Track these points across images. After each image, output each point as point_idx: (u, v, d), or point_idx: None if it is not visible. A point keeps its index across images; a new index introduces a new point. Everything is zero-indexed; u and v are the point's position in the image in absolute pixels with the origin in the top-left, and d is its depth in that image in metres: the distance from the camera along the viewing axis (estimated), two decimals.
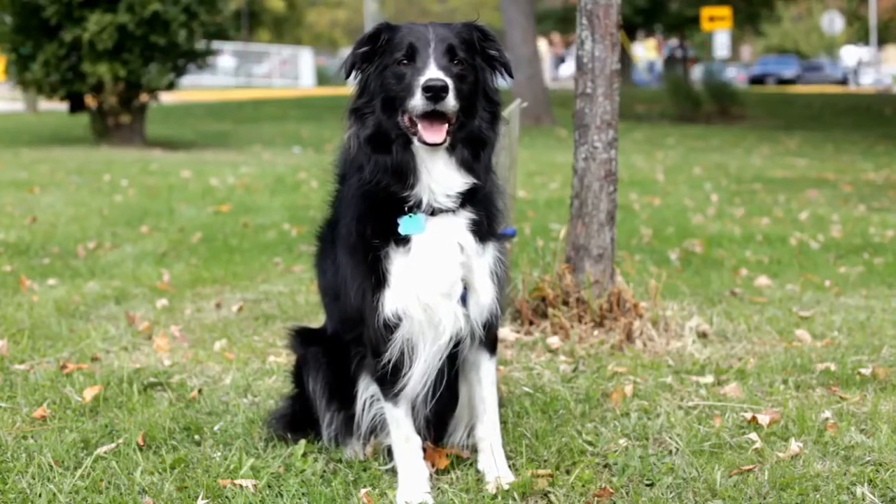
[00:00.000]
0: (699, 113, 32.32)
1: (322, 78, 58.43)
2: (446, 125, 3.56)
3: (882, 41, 68.50)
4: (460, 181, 3.69)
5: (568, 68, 66.80)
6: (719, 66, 37.50)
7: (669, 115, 32.94)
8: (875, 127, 29.38)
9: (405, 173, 3.65)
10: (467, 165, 3.69)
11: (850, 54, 66.07)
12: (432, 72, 3.51)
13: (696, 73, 43.16)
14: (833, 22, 62.70)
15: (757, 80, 63.32)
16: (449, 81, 3.50)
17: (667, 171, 16.88)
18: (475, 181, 3.71)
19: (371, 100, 3.66)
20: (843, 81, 63.22)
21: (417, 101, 3.51)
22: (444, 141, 3.56)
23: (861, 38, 65.72)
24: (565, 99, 19.15)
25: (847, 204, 13.19)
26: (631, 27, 48.45)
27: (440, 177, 3.67)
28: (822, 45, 79.09)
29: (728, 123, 31.02)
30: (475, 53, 3.73)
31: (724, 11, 39.37)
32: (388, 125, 3.63)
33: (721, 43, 40.29)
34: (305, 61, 59.94)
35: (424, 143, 3.55)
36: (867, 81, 61.75)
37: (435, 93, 3.47)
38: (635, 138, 23.75)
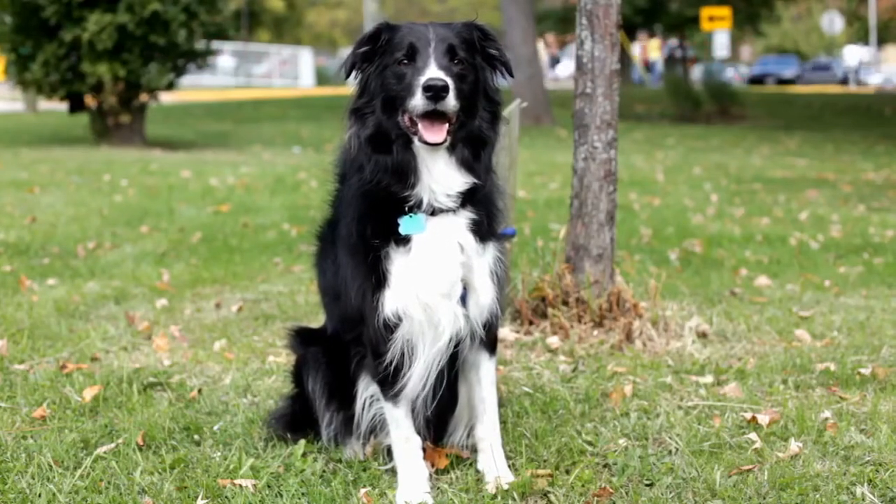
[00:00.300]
0: (699, 113, 32.31)
1: (322, 78, 58.43)
2: (447, 125, 3.56)
3: (882, 41, 68.48)
4: (461, 181, 3.69)
5: (564, 69, 66.56)
6: (719, 67, 37.48)
7: (669, 115, 32.94)
8: (875, 127, 29.39)
9: (406, 173, 3.64)
10: (468, 165, 3.69)
11: (853, 54, 65.99)
12: (432, 71, 3.51)
13: (696, 73, 43.14)
14: (833, 22, 62.66)
15: (756, 81, 63.25)
16: (449, 81, 3.50)
17: (667, 171, 16.89)
18: (475, 181, 3.70)
19: (371, 100, 3.66)
20: (844, 81, 63.17)
21: (418, 101, 3.50)
22: (445, 141, 3.56)
23: (861, 38, 65.70)
24: (565, 99, 19.12)
25: (847, 204, 13.19)
26: (631, 27, 48.43)
27: (440, 177, 3.67)
28: (821, 45, 79.04)
29: (728, 123, 31.02)
30: (475, 53, 3.73)
31: (724, 11, 39.37)
32: (389, 125, 3.63)
33: (721, 43, 40.29)
34: (305, 61, 59.93)
35: (425, 142, 3.55)
36: (876, 81, 61.52)
37: (435, 92, 3.47)
38: (635, 138, 23.76)
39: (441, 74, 3.50)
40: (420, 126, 3.55)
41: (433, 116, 3.53)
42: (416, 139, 3.58)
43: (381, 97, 3.63)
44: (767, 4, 49.04)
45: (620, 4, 5.92)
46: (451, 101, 3.51)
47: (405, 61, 3.60)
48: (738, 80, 58.73)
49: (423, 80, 3.49)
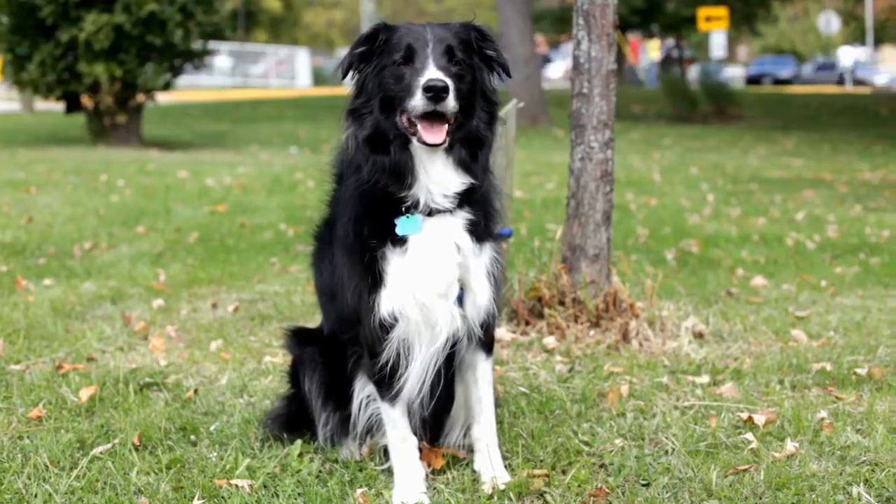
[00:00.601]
0: (696, 113, 32.32)
1: (318, 78, 58.37)
2: (446, 126, 3.55)
3: (878, 41, 68.45)
4: (458, 181, 3.69)
5: (555, 69, 66.22)
6: (716, 67, 37.49)
7: (666, 115, 32.95)
8: (871, 127, 29.41)
9: (403, 173, 3.64)
10: (465, 166, 3.69)
11: (847, 55, 65.99)
12: (432, 72, 3.50)
13: (693, 73, 43.10)
14: (829, 22, 62.72)
15: (753, 81, 63.23)
16: (449, 82, 3.49)
17: (663, 171, 16.89)
18: (473, 181, 3.70)
19: (369, 100, 3.65)
20: (840, 81, 63.15)
21: (418, 102, 3.50)
22: (445, 141, 3.56)
23: (857, 38, 65.67)
24: (562, 99, 19.11)
25: (843, 204, 13.20)
26: (626, 27, 48.38)
27: (438, 177, 3.66)
28: (818, 45, 79.10)
29: (725, 123, 31.03)
30: (473, 53, 3.73)
31: (721, 11, 39.35)
32: (387, 126, 3.62)
33: (717, 43, 40.30)
34: (302, 61, 59.90)
35: (425, 143, 3.54)
36: (882, 81, 61.32)
37: (436, 93, 3.46)
38: (632, 138, 23.77)
39: (441, 75, 3.49)
40: (419, 127, 3.54)
41: (433, 117, 3.52)
42: (414, 140, 3.58)
43: (378, 98, 3.63)
44: (764, 4, 49.04)
45: (617, 4, 5.92)
46: (450, 102, 3.50)
47: (403, 62, 3.59)
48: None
49: (422, 80, 3.48)
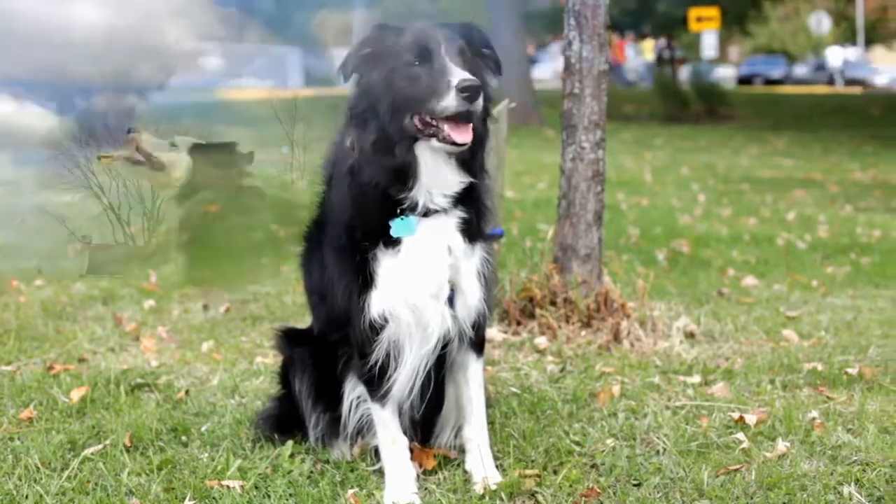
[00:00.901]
0: (687, 113, 32.30)
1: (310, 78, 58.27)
2: (471, 125, 3.54)
3: (869, 41, 68.56)
4: (458, 181, 3.67)
5: (541, 70, 65.96)
6: (707, 67, 37.50)
7: (658, 115, 32.95)
8: (862, 127, 29.45)
9: (406, 175, 3.61)
10: (466, 165, 3.67)
11: (835, 55, 65.99)
12: (462, 73, 3.47)
13: (684, 73, 43.08)
14: (820, 22, 62.77)
15: (744, 81, 63.26)
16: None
17: (654, 171, 16.91)
18: (472, 180, 3.69)
19: (374, 103, 3.59)
20: (830, 82, 63.19)
21: (451, 102, 3.45)
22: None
23: (848, 38, 65.76)
24: (553, 99, 19.04)
25: (834, 204, 13.23)
26: (618, 27, 48.37)
27: (440, 177, 3.64)
28: (809, 45, 79.20)
29: (716, 124, 31.03)
30: (474, 53, 3.72)
31: (712, 12, 39.37)
32: (393, 128, 3.56)
33: (709, 43, 40.34)
34: (294, 62, 59.83)
35: (454, 144, 3.50)
36: (882, 81, 61.21)
37: (472, 93, 3.43)
38: (623, 138, 23.76)
39: (470, 75, 3.48)
40: (446, 127, 3.50)
41: (460, 117, 3.50)
42: (433, 141, 3.53)
43: (387, 100, 3.56)
44: (755, 4, 49.07)
45: (608, 5, 5.92)
46: (480, 102, 3.49)
47: (418, 63, 3.56)
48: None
49: (454, 81, 3.44)
